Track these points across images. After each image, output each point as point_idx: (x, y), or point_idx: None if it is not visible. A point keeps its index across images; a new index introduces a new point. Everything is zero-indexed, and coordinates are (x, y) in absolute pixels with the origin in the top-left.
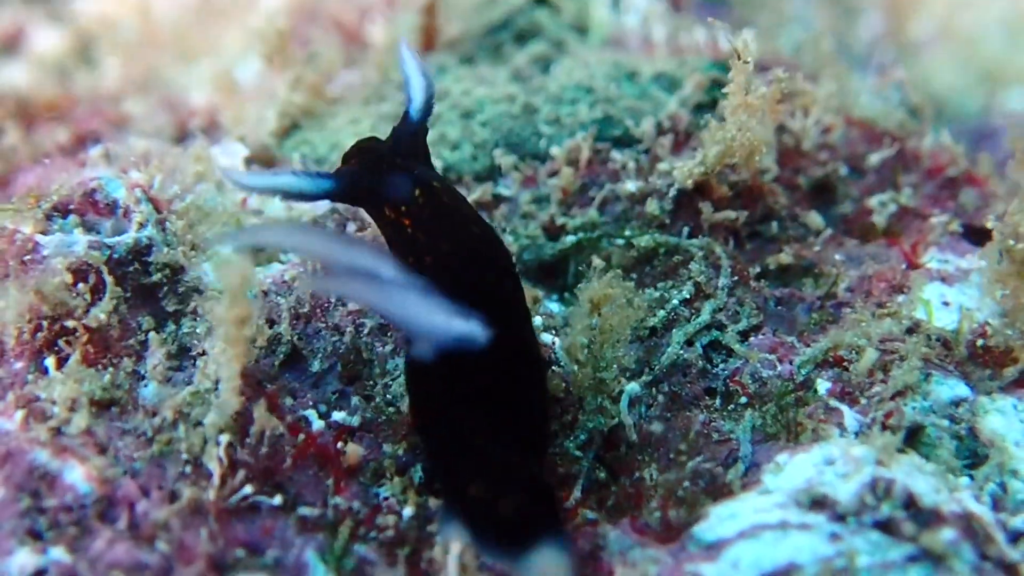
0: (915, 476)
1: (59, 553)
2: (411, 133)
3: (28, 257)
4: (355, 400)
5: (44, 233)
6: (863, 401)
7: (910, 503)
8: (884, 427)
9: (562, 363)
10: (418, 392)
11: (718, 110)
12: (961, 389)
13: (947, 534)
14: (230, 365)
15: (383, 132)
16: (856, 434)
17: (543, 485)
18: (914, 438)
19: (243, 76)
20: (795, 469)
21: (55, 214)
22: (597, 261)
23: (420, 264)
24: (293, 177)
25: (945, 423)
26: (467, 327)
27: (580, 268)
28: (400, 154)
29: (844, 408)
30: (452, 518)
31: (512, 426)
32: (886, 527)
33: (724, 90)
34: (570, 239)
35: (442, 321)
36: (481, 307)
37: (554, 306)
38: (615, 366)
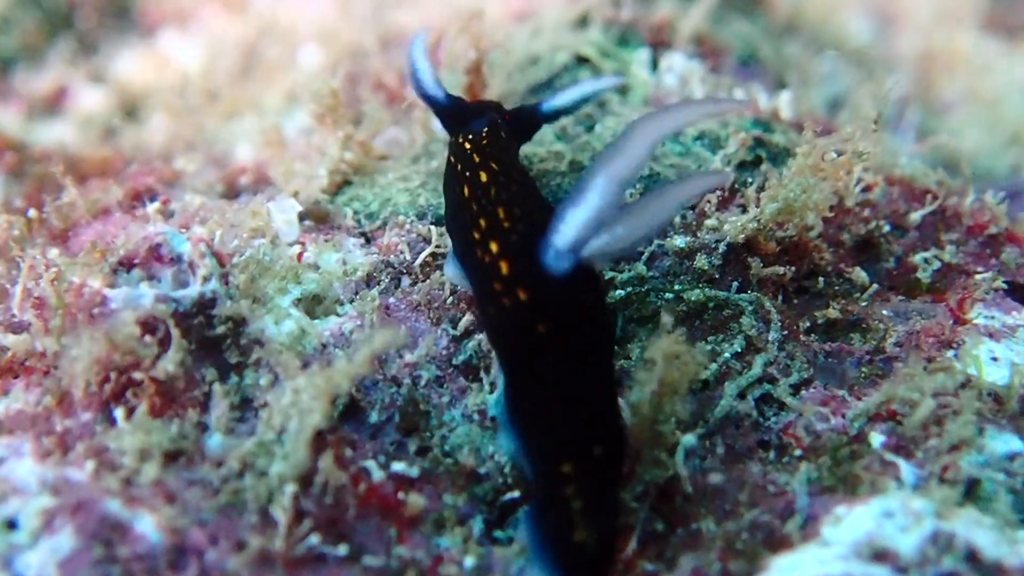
0: (976, 529)
1: None
2: (527, 115)
3: (96, 311)
4: (414, 451)
5: (111, 287)
6: (919, 454)
7: (972, 556)
8: (942, 480)
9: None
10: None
11: (763, 168)
12: (1015, 443)
13: None
14: (307, 420)
15: (431, 189)
16: (914, 487)
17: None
18: (971, 492)
19: (287, 132)
20: (854, 521)
21: (121, 268)
22: (667, 319)
23: (476, 191)
24: (430, 73)
25: (1001, 477)
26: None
27: (629, 323)
28: (508, 119)
29: (900, 461)
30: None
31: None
32: None
33: (798, 150)
34: (618, 293)
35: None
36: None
37: None
38: (672, 419)
